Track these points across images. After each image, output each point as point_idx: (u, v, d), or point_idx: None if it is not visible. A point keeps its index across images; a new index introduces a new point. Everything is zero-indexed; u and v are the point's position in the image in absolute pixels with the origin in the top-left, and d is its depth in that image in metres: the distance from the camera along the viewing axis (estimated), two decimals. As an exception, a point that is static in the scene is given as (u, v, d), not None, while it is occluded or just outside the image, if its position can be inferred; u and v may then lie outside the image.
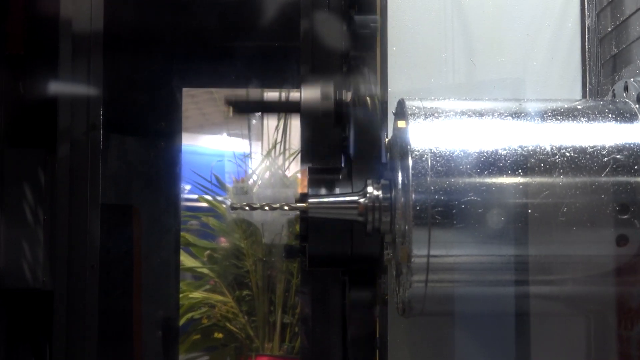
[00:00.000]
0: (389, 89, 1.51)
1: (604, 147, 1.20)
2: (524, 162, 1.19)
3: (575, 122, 1.23)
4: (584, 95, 1.50)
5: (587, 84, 1.50)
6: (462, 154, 1.19)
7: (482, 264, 1.21)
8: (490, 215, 1.17)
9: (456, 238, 1.18)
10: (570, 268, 1.22)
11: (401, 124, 1.24)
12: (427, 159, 1.19)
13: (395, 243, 1.25)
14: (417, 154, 1.19)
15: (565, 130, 1.22)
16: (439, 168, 1.18)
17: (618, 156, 1.19)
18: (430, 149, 1.19)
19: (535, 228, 1.18)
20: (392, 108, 1.37)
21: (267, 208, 1.29)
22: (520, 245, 1.18)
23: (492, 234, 1.18)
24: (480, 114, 1.25)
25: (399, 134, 1.25)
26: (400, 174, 1.22)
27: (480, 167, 1.18)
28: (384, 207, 1.27)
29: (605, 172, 1.19)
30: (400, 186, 1.21)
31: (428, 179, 1.18)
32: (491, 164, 1.19)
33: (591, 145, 1.20)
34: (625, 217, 1.18)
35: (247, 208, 1.31)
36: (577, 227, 1.18)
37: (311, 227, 1.29)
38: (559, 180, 1.19)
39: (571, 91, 1.51)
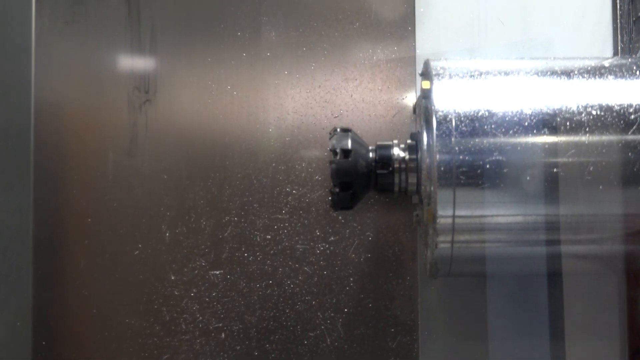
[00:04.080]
0: (417, 51, 1.50)
1: (631, 105, 1.18)
2: (549, 121, 1.18)
3: (602, 79, 1.22)
4: (615, 54, 1.48)
5: (619, 42, 1.47)
6: (487, 114, 1.18)
7: (507, 224, 1.20)
8: (515, 175, 1.17)
9: (481, 198, 1.18)
10: (597, 227, 1.21)
11: (425, 84, 1.24)
12: (451, 119, 1.18)
13: (422, 204, 1.25)
14: (442, 114, 1.19)
15: (592, 89, 1.21)
16: (464, 128, 1.18)
17: (645, 114, 1.18)
18: (455, 110, 1.19)
19: (561, 187, 1.17)
20: (419, 70, 1.37)
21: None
22: (546, 205, 1.17)
23: (517, 193, 1.17)
24: (506, 73, 1.24)
25: (424, 94, 1.25)
26: (425, 135, 1.21)
27: (505, 127, 1.18)
28: (410, 169, 1.29)
29: (632, 130, 1.17)
30: (425, 147, 1.21)
31: (452, 139, 1.17)
32: (516, 123, 1.18)
33: (618, 103, 1.19)
34: (652, 175, 1.16)
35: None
36: (604, 185, 1.17)
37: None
38: (585, 138, 1.18)
39: (602, 50, 1.49)
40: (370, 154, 1.30)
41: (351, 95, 1.52)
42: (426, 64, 1.27)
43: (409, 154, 1.29)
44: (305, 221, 1.53)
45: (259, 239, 1.53)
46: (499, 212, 1.19)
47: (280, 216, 1.53)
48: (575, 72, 1.22)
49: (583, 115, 1.18)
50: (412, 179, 1.28)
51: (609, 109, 1.18)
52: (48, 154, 1.52)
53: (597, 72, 1.22)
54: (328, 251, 1.52)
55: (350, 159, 1.27)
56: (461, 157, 1.17)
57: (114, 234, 1.52)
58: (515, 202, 1.18)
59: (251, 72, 1.54)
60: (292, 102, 1.53)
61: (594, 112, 1.18)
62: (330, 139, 1.30)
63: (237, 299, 1.53)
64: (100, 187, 1.52)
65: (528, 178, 1.17)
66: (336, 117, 1.51)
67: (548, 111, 1.18)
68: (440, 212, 1.18)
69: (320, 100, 1.52)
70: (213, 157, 1.53)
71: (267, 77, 1.54)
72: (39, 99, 1.52)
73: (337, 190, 1.28)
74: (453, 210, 1.18)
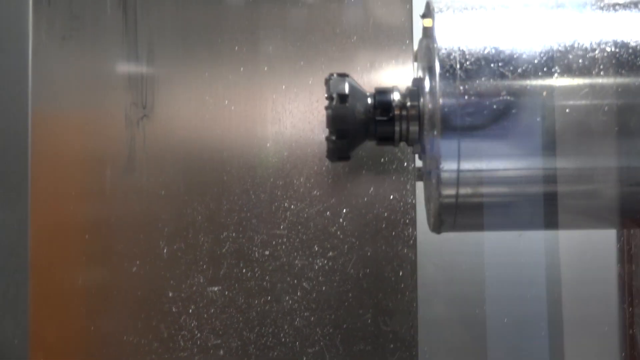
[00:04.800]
0: (415, 64, 1.49)
1: (648, 41, 1.11)
2: (561, 59, 1.11)
3: (617, 15, 1.15)
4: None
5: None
6: (494, 51, 1.11)
7: (515, 167, 1.14)
8: (524, 116, 1.10)
9: (488, 141, 1.11)
10: (610, 175, 1.13)
11: (427, 22, 1.17)
12: (455, 57, 1.11)
13: (424, 153, 1.19)
14: (445, 52, 1.11)
15: (606, 24, 1.14)
16: (469, 67, 1.11)
17: (663, 51, 1.09)
18: (459, 47, 1.12)
19: (573, 129, 1.10)
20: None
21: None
22: (557, 148, 1.11)
23: (527, 135, 1.10)
24: (514, 8, 1.17)
25: (425, 33, 1.18)
26: (427, 77, 1.14)
27: (514, 65, 1.11)
28: (411, 116, 1.21)
29: (649, 68, 1.09)
30: (427, 89, 1.13)
31: (457, 79, 1.11)
32: (526, 61, 1.11)
33: (634, 39, 1.12)
34: (670, 117, 1.08)
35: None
36: (619, 128, 1.10)
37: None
38: (599, 78, 1.11)
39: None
40: (369, 100, 1.23)
41: (349, 110, 1.51)
42: (428, 4, 1.20)
43: (410, 100, 1.21)
44: (304, 236, 1.51)
45: (257, 255, 1.51)
46: (506, 154, 1.12)
47: (278, 232, 1.51)
48: (588, 8, 1.15)
49: (597, 52, 1.11)
50: (414, 126, 1.20)
51: (624, 45, 1.11)
52: (45, 169, 1.51)
53: (612, 7, 1.15)
54: (327, 267, 1.50)
55: (347, 104, 1.20)
56: (467, 97, 1.10)
57: (112, 251, 1.50)
58: (525, 144, 1.11)
59: (249, 86, 1.53)
60: (290, 117, 1.52)
61: (608, 49, 1.11)
62: (326, 84, 1.24)
63: (236, 315, 1.51)
64: (97, 203, 1.51)
65: (538, 119, 1.10)
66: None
67: (559, 48, 1.11)
68: (444, 159, 1.11)
69: (318, 114, 1.50)
70: (211, 172, 1.52)
71: (264, 92, 1.52)
72: (37, 115, 1.51)
73: (333, 138, 1.22)
74: (458, 156, 1.11)
